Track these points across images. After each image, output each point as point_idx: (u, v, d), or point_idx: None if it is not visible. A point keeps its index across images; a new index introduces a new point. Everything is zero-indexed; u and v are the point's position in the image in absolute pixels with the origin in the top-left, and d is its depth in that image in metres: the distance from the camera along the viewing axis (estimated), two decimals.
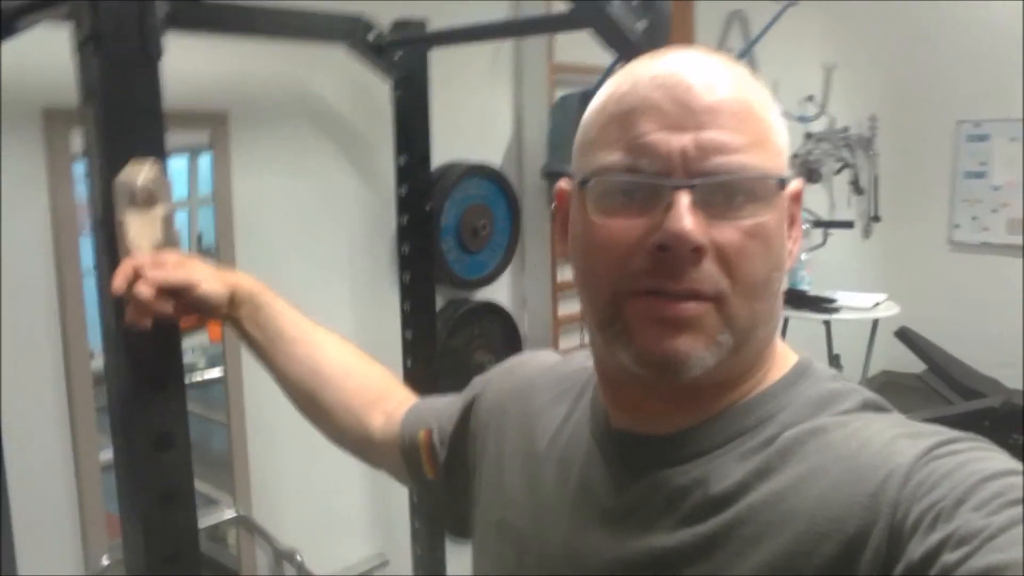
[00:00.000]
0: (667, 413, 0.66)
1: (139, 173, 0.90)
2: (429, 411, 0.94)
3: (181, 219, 1.92)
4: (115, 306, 0.91)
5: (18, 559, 1.45)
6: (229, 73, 1.83)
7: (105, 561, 1.66)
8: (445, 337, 2.27)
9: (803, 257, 3.83)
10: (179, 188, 1.87)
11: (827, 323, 3.74)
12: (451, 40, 1.86)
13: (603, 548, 0.66)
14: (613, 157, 0.61)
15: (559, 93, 2.48)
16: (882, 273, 5.04)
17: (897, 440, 0.57)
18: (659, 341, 0.59)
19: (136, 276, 0.89)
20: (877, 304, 3.76)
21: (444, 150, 2.14)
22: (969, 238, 5.04)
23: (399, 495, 1.89)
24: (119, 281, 0.88)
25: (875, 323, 3.84)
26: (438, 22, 1.80)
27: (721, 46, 3.48)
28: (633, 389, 0.67)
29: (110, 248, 0.91)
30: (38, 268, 1.58)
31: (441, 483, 0.90)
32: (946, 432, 0.58)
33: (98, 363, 1.64)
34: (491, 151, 2.47)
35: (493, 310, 2.45)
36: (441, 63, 1.87)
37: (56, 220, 1.59)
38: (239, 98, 1.86)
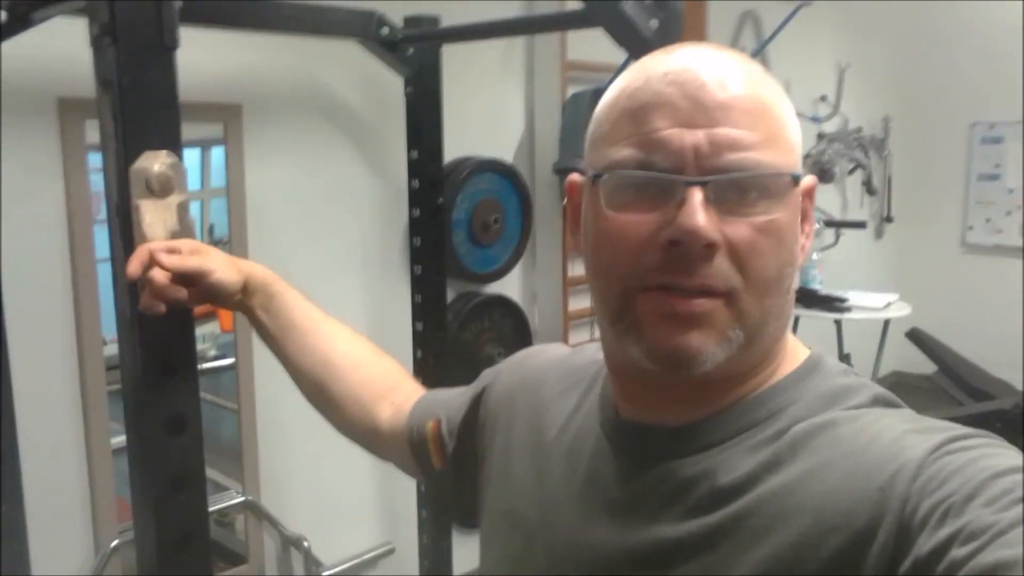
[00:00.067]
0: (677, 406, 0.66)
1: (155, 161, 0.91)
2: (437, 402, 0.94)
3: (194, 210, 1.94)
4: (130, 292, 0.92)
5: (30, 541, 1.46)
6: (243, 67, 1.84)
7: (114, 543, 1.68)
8: (455, 330, 2.28)
9: (815, 256, 3.82)
10: (192, 180, 1.89)
11: (838, 322, 3.73)
12: (464, 36, 1.86)
13: (610, 538, 0.66)
14: (626, 152, 0.61)
15: (571, 90, 2.48)
16: (894, 274, 5.02)
17: (907, 435, 0.57)
18: (670, 337, 0.60)
19: (151, 262, 0.90)
20: (888, 304, 3.75)
21: (456, 145, 2.14)
22: (982, 240, 5.02)
23: (406, 484, 1.89)
24: (134, 266, 0.89)
25: (886, 323, 3.83)
26: (451, 18, 1.80)
27: (733, 46, 3.47)
28: (643, 383, 0.67)
29: (126, 235, 0.92)
30: (53, 256, 1.60)
31: (449, 473, 0.90)
32: (957, 428, 0.58)
33: (110, 349, 1.66)
34: (503, 147, 2.47)
35: (503, 304, 2.46)
36: (453, 59, 1.87)
37: (71, 209, 1.60)
38: (253, 91, 1.87)
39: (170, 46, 0.92)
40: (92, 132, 1.60)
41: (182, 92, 0.95)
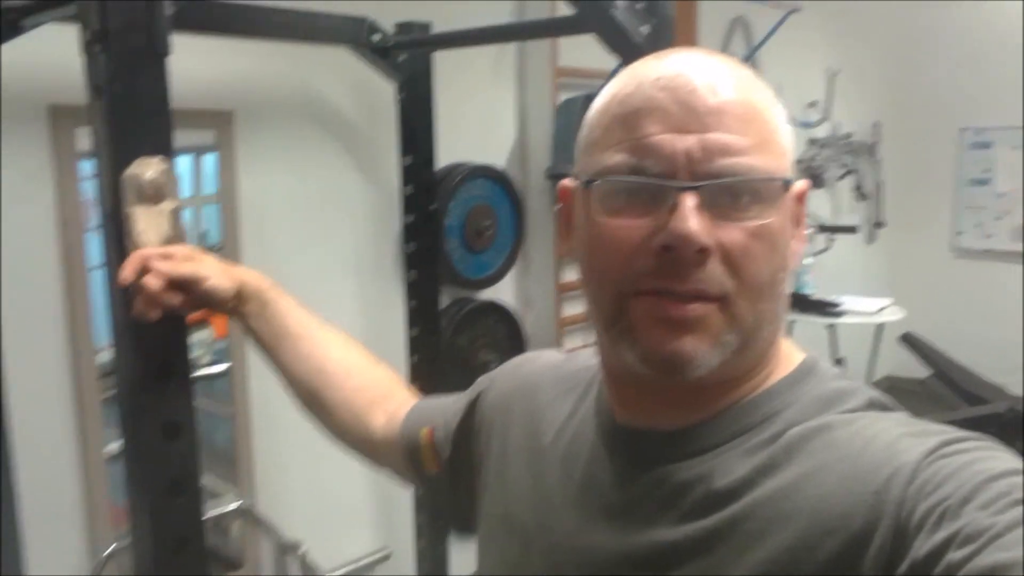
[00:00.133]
0: (671, 411, 0.66)
1: (147, 168, 0.91)
2: (432, 409, 0.94)
3: (186, 217, 1.93)
4: (124, 298, 0.91)
5: (25, 548, 1.46)
6: (235, 73, 1.84)
7: (110, 550, 1.67)
8: (449, 335, 2.27)
9: (808, 261, 3.83)
10: (184, 187, 1.89)
11: (831, 327, 3.74)
12: (455, 43, 1.87)
13: (607, 542, 0.66)
14: (618, 158, 0.61)
15: (563, 96, 2.48)
16: (886, 278, 5.04)
17: (903, 439, 0.57)
18: (664, 342, 0.60)
19: (145, 268, 0.90)
20: (881, 309, 3.76)
21: (448, 151, 2.14)
22: (973, 244, 5.04)
23: (403, 489, 1.89)
24: (128, 272, 0.89)
25: (879, 328, 3.84)
26: (442, 24, 1.81)
27: (724, 51, 3.49)
28: (637, 387, 0.67)
29: (119, 242, 0.92)
30: (45, 264, 1.59)
31: (444, 480, 0.90)
32: (952, 431, 0.58)
33: (104, 357, 1.65)
34: (495, 153, 2.47)
35: (497, 310, 2.46)
36: (445, 65, 1.87)
37: (63, 216, 1.60)
38: (245, 98, 1.86)
39: (162, 52, 0.91)
40: (83, 139, 1.60)
41: (174, 99, 0.95)
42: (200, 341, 1.98)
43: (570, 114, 2.38)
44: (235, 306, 1.00)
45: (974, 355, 3.81)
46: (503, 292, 2.51)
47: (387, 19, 1.76)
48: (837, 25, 4.40)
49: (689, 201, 0.58)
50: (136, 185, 0.90)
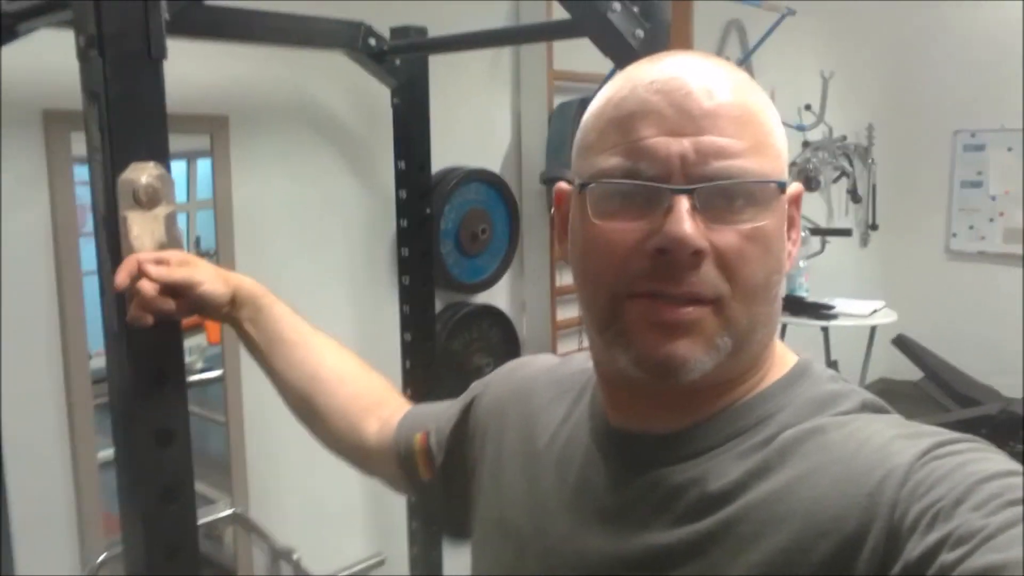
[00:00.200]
0: (665, 414, 0.66)
1: (142, 173, 0.91)
2: (425, 415, 0.94)
3: (180, 222, 1.93)
4: (118, 303, 0.91)
5: (16, 556, 1.45)
6: (230, 78, 1.84)
7: (101, 558, 1.66)
8: (444, 340, 2.27)
9: (801, 264, 3.84)
10: (178, 192, 1.89)
11: (825, 330, 3.75)
12: (451, 47, 1.87)
13: (601, 546, 0.66)
14: (613, 161, 0.61)
15: (558, 100, 2.49)
16: (880, 281, 5.05)
17: (896, 440, 0.57)
18: (658, 345, 0.60)
19: (139, 273, 0.90)
20: (875, 311, 3.77)
21: (443, 155, 2.14)
22: (966, 247, 5.06)
23: (397, 495, 1.88)
24: (122, 276, 0.89)
25: (873, 330, 3.85)
26: (438, 29, 1.81)
27: (718, 55, 3.49)
28: (631, 390, 0.67)
29: (113, 247, 0.92)
30: (38, 269, 1.59)
31: (438, 485, 0.90)
32: (945, 433, 0.58)
33: (96, 363, 1.65)
34: (490, 157, 2.47)
35: (492, 314, 2.46)
36: (440, 69, 1.87)
37: (56, 221, 1.59)
38: (239, 102, 1.86)
39: (158, 57, 0.91)
40: (77, 144, 1.59)
41: (168, 104, 0.95)
42: (193, 347, 1.98)
43: (565, 118, 2.38)
44: (229, 312, 1.00)
45: (967, 357, 3.83)
46: (498, 296, 2.51)
47: (383, 24, 1.76)
48: (832, 28, 4.42)
49: (683, 204, 0.58)
50: (131, 190, 0.90)
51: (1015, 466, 0.53)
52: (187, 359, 1.03)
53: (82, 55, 0.91)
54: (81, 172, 1.60)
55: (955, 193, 5.07)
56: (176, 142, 0.96)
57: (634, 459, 0.67)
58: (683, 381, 0.61)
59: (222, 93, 1.83)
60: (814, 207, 4.43)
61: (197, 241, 1.98)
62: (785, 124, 0.66)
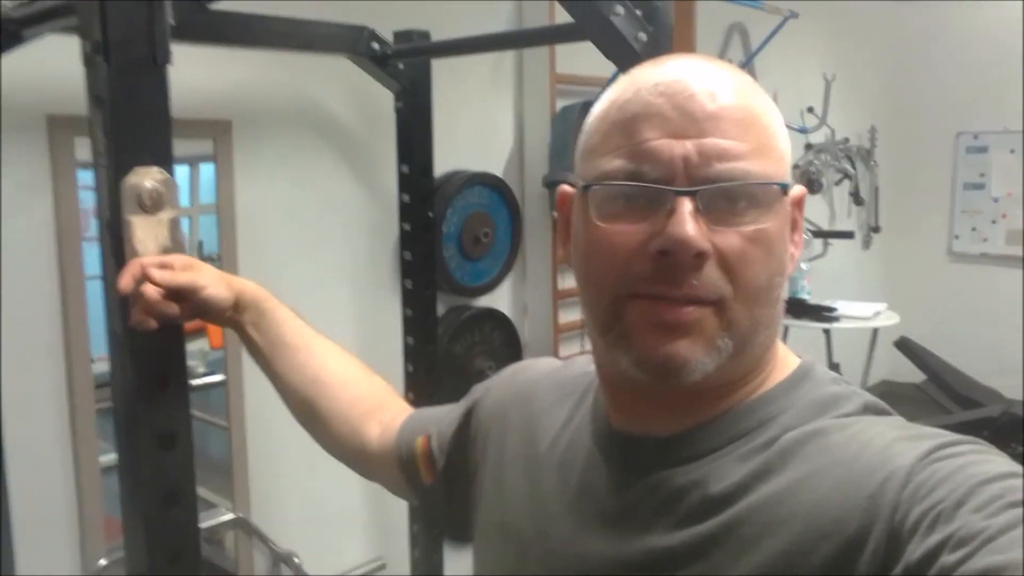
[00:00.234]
0: (667, 416, 0.66)
1: (146, 177, 0.91)
2: (427, 419, 0.94)
3: (183, 227, 1.94)
4: (121, 307, 0.91)
5: (17, 560, 1.45)
6: (233, 83, 1.84)
7: (103, 562, 1.66)
8: (446, 343, 2.27)
9: (803, 267, 3.84)
10: (181, 197, 1.90)
11: (827, 332, 3.74)
12: (453, 51, 1.87)
13: (603, 549, 0.66)
14: (616, 163, 0.61)
15: (560, 103, 2.49)
16: (882, 283, 5.05)
17: (897, 442, 0.57)
18: (659, 346, 0.60)
19: (143, 277, 0.90)
20: (877, 313, 3.77)
21: (446, 159, 2.15)
22: (968, 249, 5.06)
23: (398, 499, 1.88)
24: (126, 280, 0.89)
25: (875, 332, 3.85)
26: (440, 33, 1.81)
27: (721, 58, 3.50)
28: (633, 392, 0.67)
29: (117, 251, 0.92)
30: (41, 272, 1.59)
31: (440, 489, 0.90)
32: (946, 435, 0.58)
33: (99, 367, 1.65)
34: (493, 160, 2.48)
35: (494, 317, 2.46)
36: (443, 73, 1.88)
37: (60, 225, 1.60)
38: (243, 107, 1.87)
39: (162, 63, 0.92)
40: (80, 149, 1.60)
41: (172, 108, 0.95)
42: (194, 351, 1.98)
43: (567, 121, 2.39)
44: (232, 316, 1.00)
45: (969, 359, 3.82)
46: (500, 299, 2.52)
47: (386, 28, 1.76)
48: (834, 31, 4.42)
49: (686, 205, 0.58)
50: (135, 194, 0.91)
51: (1016, 468, 0.53)
52: (189, 363, 1.03)
53: (88, 60, 0.91)
54: (84, 176, 1.60)
55: (957, 195, 5.08)
56: (179, 146, 0.96)
57: (636, 461, 0.67)
58: (684, 382, 0.61)
59: (225, 98, 1.84)
60: (816, 209, 4.43)
61: (200, 245, 1.98)
62: (787, 126, 0.66)
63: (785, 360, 0.68)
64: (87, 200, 1.61)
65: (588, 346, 0.72)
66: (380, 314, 2.11)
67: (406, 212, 1.83)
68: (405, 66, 1.77)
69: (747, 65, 3.50)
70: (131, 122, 0.90)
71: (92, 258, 1.61)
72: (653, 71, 0.63)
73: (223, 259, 1.85)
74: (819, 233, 4.14)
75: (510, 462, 0.79)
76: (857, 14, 4.53)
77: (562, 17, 1.50)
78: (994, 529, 0.48)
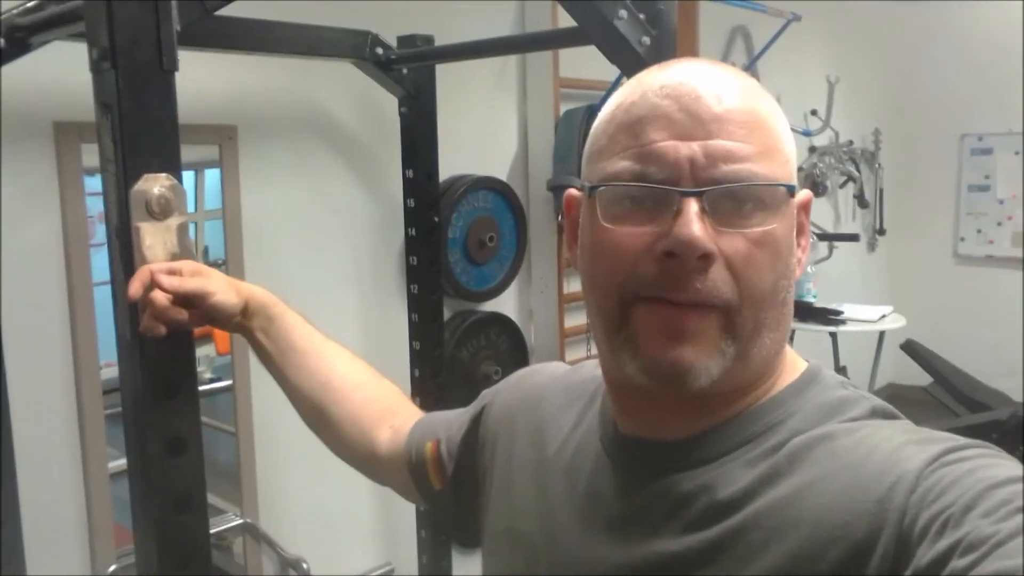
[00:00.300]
0: (674, 421, 0.66)
1: (154, 184, 0.91)
2: (436, 424, 0.94)
3: (189, 232, 1.95)
4: (130, 313, 0.92)
5: (28, 567, 1.45)
6: (238, 88, 1.85)
7: (112, 568, 1.67)
8: (452, 348, 2.27)
9: (809, 270, 3.83)
10: (186, 203, 1.91)
11: (833, 335, 3.74)
12: (457, 56, 1.88)
13: (611, 554, 0.66)
14: (622, 164, 0.61)
15: (564, 107, 2.50)
16: (888, 286, 5.04)
17: (905, 447, 0.57)
18: (665, 351, 0.60)
19: (152, 284, 0.90)
20: (883, 316, 3.76)
21: (450, 163, 2.15)
22: (974, 251, 5.04)
23: (405, 505, 1.89)
24: (135, 287, 0.89)
25: (881, 335, 3.84)
26: (444, 38, 1.82)
27: (724, 61, 3.49)
28: (640, 397, 0.67)
29: (126, 258, 0.92)
30: (49, 279, 1.60)
31: (449, 494, 0.90)
32: (954, 439, 0.58)
33: (107, 374, 1.65)
34: (497, 165, 2.48)
35: (500, 321, 2.46)
36: (447, 78, 1.88)
37: (67, 232, 1.60)
38: (248, 113, 1.87)
39: (169, 69, 0.92)
40: (88, 155, 1.60)
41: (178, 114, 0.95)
42: (201, 357, 1.98)
43: (571, 125, 2.39)
44: (241, 321, 1.00)
45: (976, 361, 3.80)
46: (506, 304, 2.52)
47: (390, 33, 1.77)
48: (836, 34, 4.42)
49: (692, 207, 0.58)
50: (143, 201, 0.91)
51: None
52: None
53: (95, 67, 0.92)
54: (91, 183, 1.61)
55: (962, 197, 5.07)
56: (184, 152, 0.96)
57: (643, 466, 0.67)
58: (690, 387, 0.61)
59: (231, 103, 1.84)
60: (821, 212, 4.43)
61: (206, 251, 1.99)
62: (791, 129, 0.66)
63: (792, 364, 0.68)
64: (94, 206, 1.62)
65: (594, 350, 0.72)
66: (386, 319, 2.11)
67: (411, 217, 1.83)
68: (409, 71, 1.77)
69: (750, 68, 3.50)
70: (139, 128, 0.91)
71: (100, 264, 1.62)
72: (659, 74, 0.64)
73: (229, 264, 1.85)
74: (824, 236, 4.13)
75: (518, 467, 0.79)
76: (860, 16, 4.53)
77: (565, 21, 1.51)
78: (1003, 534, 0.47)
